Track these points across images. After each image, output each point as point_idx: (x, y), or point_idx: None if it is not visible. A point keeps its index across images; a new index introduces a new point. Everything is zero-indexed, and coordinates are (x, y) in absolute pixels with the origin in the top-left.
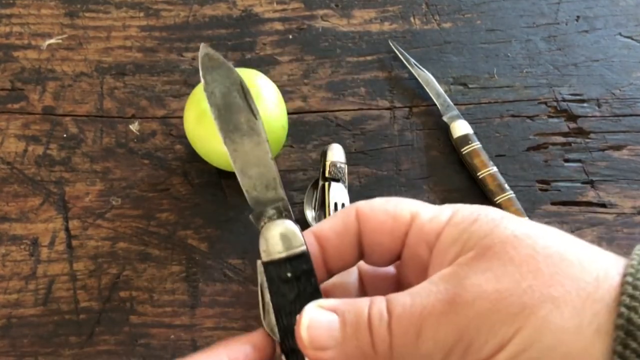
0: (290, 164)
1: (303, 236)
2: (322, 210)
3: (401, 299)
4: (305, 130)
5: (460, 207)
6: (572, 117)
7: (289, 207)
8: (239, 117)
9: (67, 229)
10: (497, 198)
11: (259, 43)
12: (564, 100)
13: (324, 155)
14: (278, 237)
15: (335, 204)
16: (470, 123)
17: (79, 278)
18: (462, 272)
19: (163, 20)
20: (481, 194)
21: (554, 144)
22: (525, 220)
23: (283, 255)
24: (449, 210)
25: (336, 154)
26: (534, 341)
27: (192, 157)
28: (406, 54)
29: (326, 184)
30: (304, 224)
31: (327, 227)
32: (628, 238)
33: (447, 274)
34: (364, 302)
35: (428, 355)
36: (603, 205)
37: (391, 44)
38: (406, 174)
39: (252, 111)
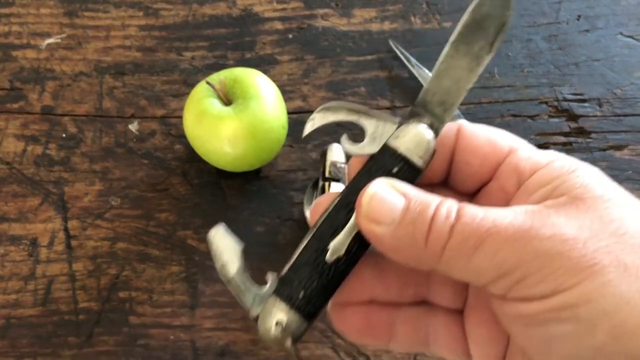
0: (290, 164)
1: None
2: None
3: (475, 209)
4: None
5: (562, 156)
6: (573, 117)
7: (439, 132)
8: (479, 40)
9: (66, 229)
10: None
11: (258, 42)
12: (565, 99)
13: (324, 155)
14: (418, 139)
15: None
16: (471, 122)
17: (78, 278)
18: (547, 211)
19: (162, 20)
20: None
21: (555, 144)
22: (619, 187)
23: (408, 156)
24: (550, 155)
25: (336, 154)
26: (589, 299)
27: (192, 157)
28: (406, 54)
29: (326, 184)
30: (304, 224)
31: None
32: None
33: (531, 208)
34: (436, 197)
35: (477, 271)
36: None
37: (391, 44)
38: None
39: (492, 47)
